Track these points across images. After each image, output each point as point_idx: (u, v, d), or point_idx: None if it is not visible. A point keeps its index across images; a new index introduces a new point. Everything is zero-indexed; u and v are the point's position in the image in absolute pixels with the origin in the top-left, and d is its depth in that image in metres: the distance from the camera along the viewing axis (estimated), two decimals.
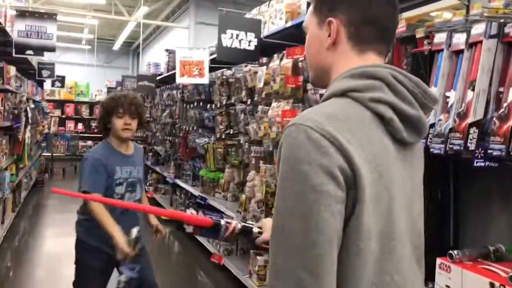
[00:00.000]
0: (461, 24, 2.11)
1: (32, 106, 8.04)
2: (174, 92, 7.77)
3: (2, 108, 5.12)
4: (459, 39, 2.08)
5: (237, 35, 4.09)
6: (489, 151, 1.81)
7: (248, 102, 4.74)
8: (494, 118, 1.83)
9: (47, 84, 11.43)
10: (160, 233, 2.89)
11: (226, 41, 4.06)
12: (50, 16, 4.94)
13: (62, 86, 11.64)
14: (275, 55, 4.00)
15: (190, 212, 1.41)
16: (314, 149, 0.90)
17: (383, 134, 0.99)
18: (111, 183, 2.65)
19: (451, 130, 1.97)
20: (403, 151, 1.04)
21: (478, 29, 1.99)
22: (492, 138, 1.81)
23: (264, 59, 4.19)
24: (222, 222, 1.43)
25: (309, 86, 3.45)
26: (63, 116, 15.43)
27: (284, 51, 3.70)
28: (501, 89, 1.89)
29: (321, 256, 0.89)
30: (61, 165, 12.09)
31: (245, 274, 4.15)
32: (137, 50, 19.29)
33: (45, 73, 8.36)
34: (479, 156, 1.85)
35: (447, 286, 1.91)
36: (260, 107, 4.28)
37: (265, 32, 4.20)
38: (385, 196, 0.96)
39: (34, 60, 7.57)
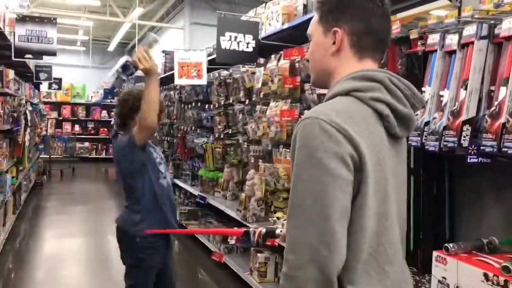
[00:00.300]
0: (453, 25, 2.18)
1: (30, 108, 8.07)
2: (172, 92, 7.82)
3: (2, 111, 5.16)
4: (452, 40, 2.16)
5: (236, 37, 4.16)
6: (481, 147, 1.89)
7: (246, 102, 4.80)
8: (486, 116, 1.90)
9: (44, 87, 11.44)
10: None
11: (225, 43, 4.13)
12: (50, 21, 4.99)
13: (59, 88, 11.67)
14: (273, 56, 4.07)
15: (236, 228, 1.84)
16: (328, 139, 1.05)
17: (381, 128, 1.15)
18: (154, 164, 2.68)
19: (445, 128, 2.05)
20: (394, 144, 1.19)
21: (469, 30, 2.07)
22: (484, 135, 1.89)
23: (262, 60, 4.26)
24: (251, 229, 1.74)
25: (306, 86, 3.52)
26: (60, 118, 15.47)
27: (282, 52, 3.77)
28: (492, 88, 1.97)
29: (334, 230, 1.03)
30: (59, 167, 12.12)
31: (246, 271, 4.22)
32: (133, 51, 19.31)
33: (42, 75, 8.38)
34: (472, 153, 1.93)
35: (443, 277, 1.99)
36: (258, 107, 4.35)
37: (262, 33, 4.27)
38: (383, 181, 1.12)
39: (31, 63, 7.61)
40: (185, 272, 5.06)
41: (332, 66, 1.23)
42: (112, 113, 15.04)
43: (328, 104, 1.15)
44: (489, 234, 2.11)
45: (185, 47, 11.46)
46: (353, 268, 1.09)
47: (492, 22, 2.01)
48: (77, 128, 15.63)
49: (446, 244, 2.00)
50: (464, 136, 1.98)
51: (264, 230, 1.71)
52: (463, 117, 1.99)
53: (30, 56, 5.07)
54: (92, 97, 16.16)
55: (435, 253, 2.02)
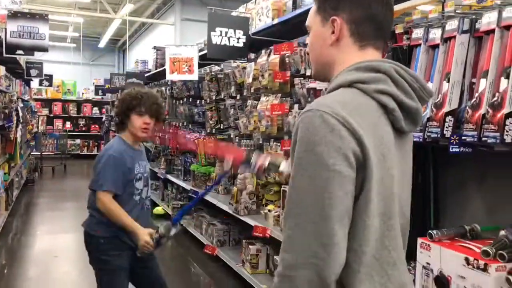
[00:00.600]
0: (437, 20, 2.26)
1: (21, 105, 8.07)
2: (163, 88, 7.85)
3: None
4: (435, 35, 2.23)
5: (226, 33, 4.21)
6: (463, 137, 1.96)
7: (238, 97, 4.86)
8: (467, 107, 1.98)
9: (34, 83, 11.41)
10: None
11: (216, 39, 4.18)
12: (42, 17, 5.01)
13: (50, 85, 11.66)
14: (263, 51, 4.12)
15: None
16: (330, 132, 0.98)
17: (386, 122, 1.08)
18: (132, 179, 2.60)
19: (429, 119, 2.13)
20: (400, 139, 1.13)
21: (452, 25, 2.14)
22: (466, 125, 1.96)
23: (252, 55, 4.32)
24: (253, 156, 1.64)
25: (296, 80, 3.58)
26: (51, 115, 15.42)
27: (272, 47, 3.83)
28: (474, 80, 2.05)
29: (334, 231, 0.97)
30: (51, 163, 12.09)
31: (238, 263, 4.28)
32: (123, 47, 19.25)
33: (33, 72, 8.38)
34: (454, 143, 2.00)
35: (427, 263, 2.06)
36: (249, 102, 4.41)
37: (252, 29, 4.33)
38: (388, 177, 1.06)
39: (22, 59, 7.60)
40: (179, 266, 5.12)
41: (333, 57, 1.17)
42: (104, 110, 15.03)
43: (331, 96, 1.09)
44: (471, 222, 2.18)
45: (176, 43, 11.47)
46: (355, 271, 1.03)
47: (474, 17, 2.08)
48: (68, 125, 15.59)
49: (430, 231, 2.06)
50: (446, 127, 2.06)
51: (267, 164, 1.59)
52: (446, 109, 2.06)
53: (21, 52, 5.09)
54: (83, 94, 16.11)
55: (419, 240, 2.08)
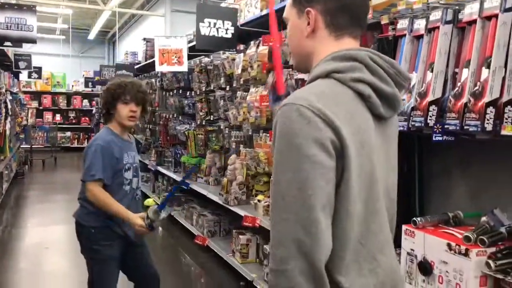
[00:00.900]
0: (422, 11, 2.29)
1: (10, 98, 8.01)
2: (153, 80, 7.83)
3: None
4: (420, 25, 2.26)
5: (215, 24, 4.22)
6: (446, 126, 2.00)
7: (227, 89, 4.87)
8: (450, 97, 2.02)
9: (23, 76, 11.31)
10: None
11: (204, 30, 4.19)
12: (29, 8, 4.97)
13: (39, 77, 11.56)
14: (252, 42, 4.14)
15: None
16: (307, 125, 1.00)
17: (364, 109, 1.10)
18: (120, 169, 2.61)
19: (413, 108, 2.16)
20: (381, 125, 1.15)
21: (435, 15, 2.17)
22: (448, 114, 2.00)
23: (241, 46, 4.33)
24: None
25: (285, 71, 3.60)
26: (41, 108, 15.32)
27: (260, 38, 3.85)
28: (457, 70, 2.08)
29: (318, 219, 0.99)
30: (41, 156, 12.04)
31: (228, 253, 4.33)
32: (113, 39, 19.16)
33: (22, 64, 8.31)
34: (437, 131, 2.04)
35: (411, 249, 2.11)
36: (238, 93, 4.43)
37: (241, 20, 4.34)
38: (368, 164, 1.08)
39: (10, 51, 7.54)
40: (170, 256, 5.15)
41: (310, 48, 1.19)
42: (94, 102, 14.95)
43: (308, 88, 1.11)
44: (455, 209, 2.24)
45: (167, 34, 11.42)
46: (341, 257, 1.05)
47: (457, 7, 2.12)
48: (58, 117, 15.50)
49: (414, 218, 2.11)
50: (430, 116, 2.09)
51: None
52: (429, 98, 2.10)
53: (9, 43, 5.05)
54: (73, 86, 16.01)
55: (404, 227, 2.13)
